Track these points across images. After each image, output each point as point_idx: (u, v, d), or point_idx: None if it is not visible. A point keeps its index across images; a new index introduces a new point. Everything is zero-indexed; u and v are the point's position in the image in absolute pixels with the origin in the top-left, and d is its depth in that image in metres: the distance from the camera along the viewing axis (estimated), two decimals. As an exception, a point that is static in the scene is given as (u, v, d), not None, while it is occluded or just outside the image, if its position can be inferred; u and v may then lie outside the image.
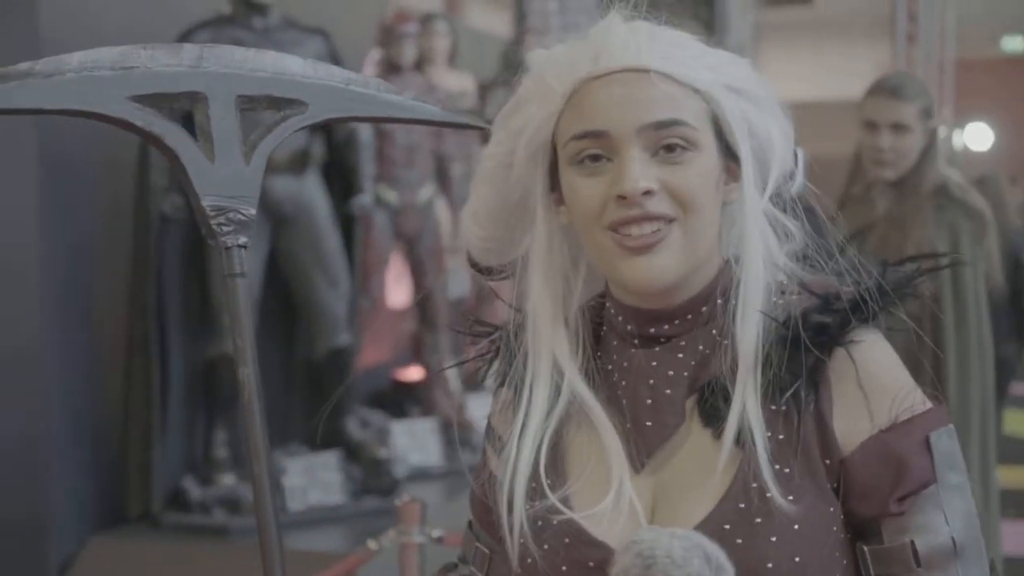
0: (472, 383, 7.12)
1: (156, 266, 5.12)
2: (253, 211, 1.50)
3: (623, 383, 1.52)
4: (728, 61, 1.51)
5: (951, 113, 17.64)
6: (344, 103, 1.55)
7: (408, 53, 6.27)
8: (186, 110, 1.45)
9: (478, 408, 6.68)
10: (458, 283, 6.81)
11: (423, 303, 6.39)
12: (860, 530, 1.48)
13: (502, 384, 1.61)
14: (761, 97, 1.52)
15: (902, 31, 13.21)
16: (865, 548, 1.47)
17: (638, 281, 1.46)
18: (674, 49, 1.48)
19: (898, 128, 3.89)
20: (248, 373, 1.48)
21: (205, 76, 1.45)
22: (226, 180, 1.47)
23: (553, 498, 1.49)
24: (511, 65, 7.49)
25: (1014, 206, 7.18)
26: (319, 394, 5.55)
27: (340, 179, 5.59)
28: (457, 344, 7.07)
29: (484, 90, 7.37)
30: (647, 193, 1.43)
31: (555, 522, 1.49)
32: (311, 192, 5.35)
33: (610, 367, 1.55)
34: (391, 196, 6.08)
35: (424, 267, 6.33)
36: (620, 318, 1.54)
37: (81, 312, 5.11)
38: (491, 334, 1.65)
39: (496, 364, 1.64)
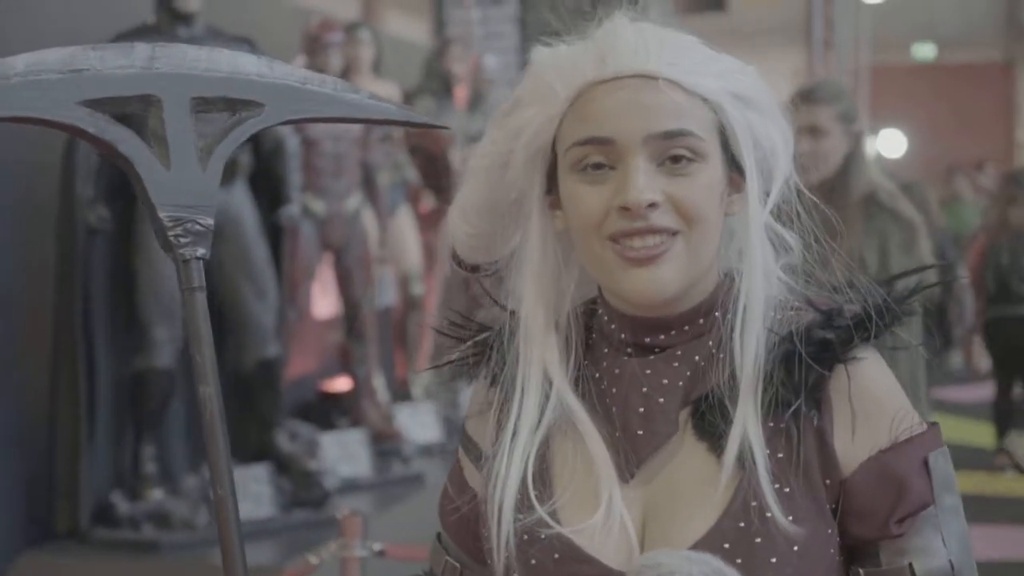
0: (401, 393, 7.10)
1: (82, 278, 5.04)
2: (211, 221, 1.43)
3: (613, 390, 1.48)
4: (735, 68, 1.47)
5: (866, 119, 17.84)
6: (302, 103, 1.48)
7: (333, 62, 6.24)
8: (138, 114, 1.39)
9: (406, 419, 6.66)
10: (386, 293, 6.79)
11: (350, 313, 6.35)
12: (855, 552, 1.46)
13: (493, 385, 1.55)
14: (766, 106, 1.48)
15: (819, 37, 13.35)
16: (861, 571, 1.45)
17: (639, 293, 1.42)
18: (682, 54, 1.43)
19: (813, 132, 3.91)
20: (209, 392, 1.41)
21: (158, 78, 1.39)
22: (183, 189, 1.40)
23: (542, 511, 1.45)
24: (433, 74, 7.49)
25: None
26: (248, 406, 5.50)
27: (267, 189, 5.55)
28: (385, 354, 7.04)
29: (408, 99, 7.35)
30: (651, 205, 1.39)
31: (543, 536, 1.44)
32: (238, 202, 5.30)
33: (599, 374, 1.50)
34: (318, 206, 6.05)
35: (352, 277, 6.29)
36: (613, 326, 1.50)
37: (5, 326, 5.02)
38: (477, 335, 1.60)
39: (482, 366, 1.58)
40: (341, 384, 6.56)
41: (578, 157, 1.43)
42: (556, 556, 1.44)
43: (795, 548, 1.38)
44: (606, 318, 1.51)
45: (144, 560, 4.93)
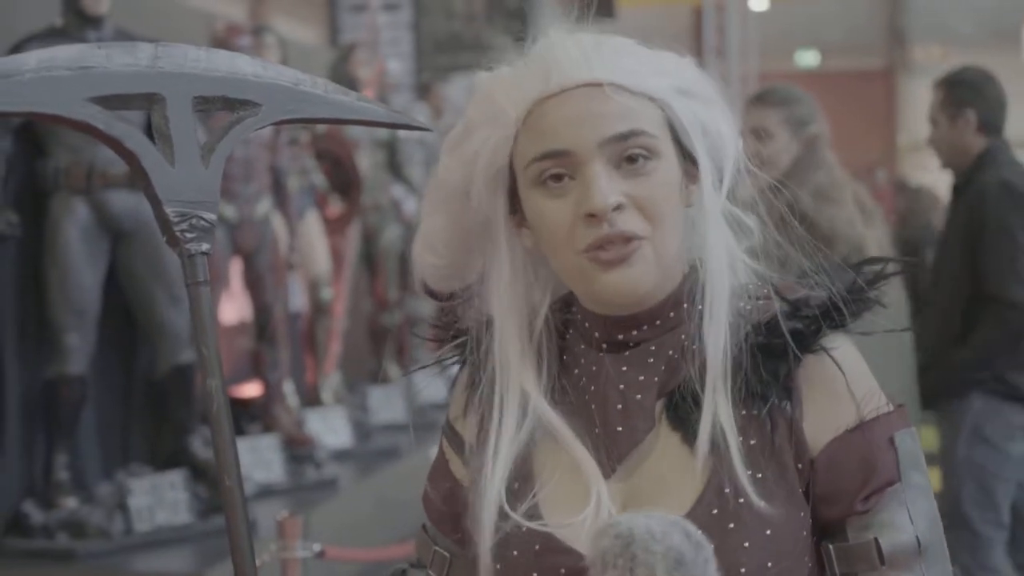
0: (311, 399, 7.07)
1: (-10, 285, 4.97)
2: (214, 216, 1.46)
3: (592, 388, 1.51)
4: (673, 63, 1.51)
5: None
6: (295, 104, 1.51)
7: (241, 66, 6.20)
8: (142, 111, 1.41)
9: (317, 424, 6.63)
10: (294, 298, 6.76)
11: (261, 319, 6.31)
12: (825, 530, 1.49)
13: (472, 387, 1.59)
14: (709, 95, 1.51)
15: (711, 45, 13.53)
16: (830, 546, 1.48)
17: (615, 294, 1.46)
18: (623, 58, 1.47)
19: (759, 134, 3.98)
20: (216, 385, 1.43)
21: (161, 76, 1.41)
22: (187, 185, 1.42)
23: (516, 516, 1.48)
24: (339, 78, 7.48)
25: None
26: (161, 412, 5.45)
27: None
28: (295, 359, 7.01)
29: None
30: (617, 208, 1.43)
31: (524, 529, 1.48)
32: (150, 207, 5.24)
33: (577, 371, 1.54)
34: (228, 211, 6.00)
35: (263, 282, 6.25)
36: (587, 324, 1.53)
37: (-88, 334, 4.93)
38: (457, 338, 1.63)
39: (464, 365, 1.62)
40: (251, 389, 6.51)
41: (537, 172, 1.46)
42: (536, 548, 1.47)
43: (767, 532, 1.42)
44: (580, 316, 1.55)
45: (59, 569, 4.87)
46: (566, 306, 1.58)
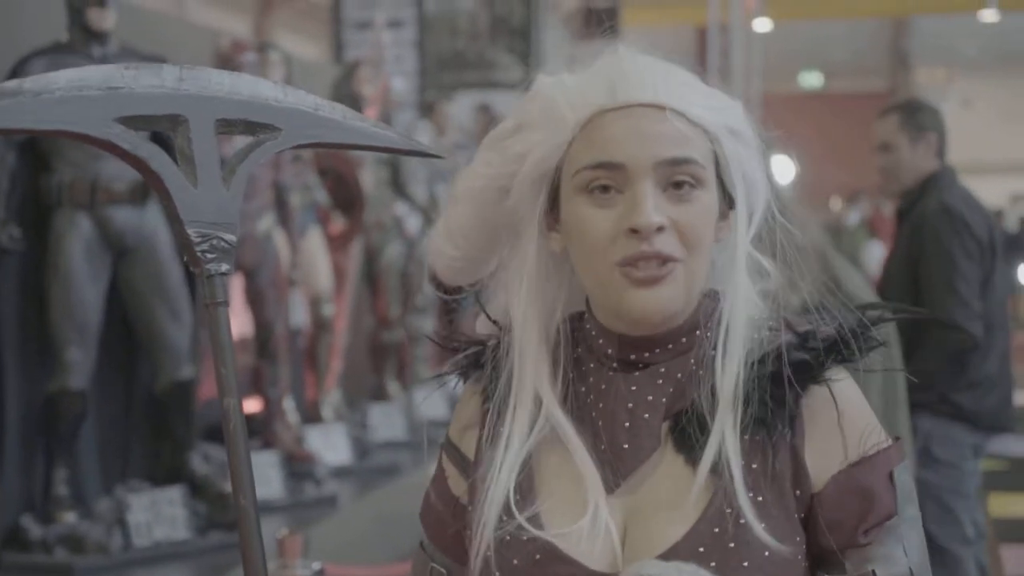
0: (311, 416, 7.06)
1: (-8, 299, 4.97)
2: (234, 238, 1.48)
3: (600, 405, 1.55)
4: (728, 104, 1.56)
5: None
6: (314, 129, 1.55)
7: (246, 83, 6.21)
8: (166, 133, 1.43)
9: (317, 441, 6.63)
10: (296, 315, 6.76)
11: (262, 335, 6.31)
12: (821, 560, 1.54)
13: (486, 400, 1.62)
14: (751, 140, 1.56)
15: (714, 66, 13.58)
16: None
17: (642, 313, 1.49)
18: (686, 88, 1.52)
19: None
20: (233, 403, 1.46)
21: (186, 98, 1.44)
22: (208, 206, 1.45)
23: (521, 519, 1.51)
24: (343, 95, 7.49)
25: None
26: (161, 428, 5.45)
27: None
28: (297, 375, 7.01)
29: (317, 120, 7.33)
30: (659, 229, 1.47)
31: (524, 539, 1.51)
32: (153, 223, 5.25)
33: (585, 388, 1.57)
34: (231, 227, 6.01)
35: (264, 298, 6.25)
36: (601, 341, 1.56)
37: (-87, 347, 4.92)
38: (469, 349, 1.66)
39: (474, 379, 1.65)
40: (251, 406, 6.51)
41: (586, 180, 1.50)
42: (537, 557, 1.50)
43: (766, 554, 1.46)
44: (593, 333, 1.58)
45: (57, 584, 4.84)
46: (579, 322, 1.61)
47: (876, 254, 13.70)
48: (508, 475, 1.54)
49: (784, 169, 23.56)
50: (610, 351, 1.55)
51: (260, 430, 6.41)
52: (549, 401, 1.55)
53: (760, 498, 1.48)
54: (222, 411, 1.47)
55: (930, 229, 4.56)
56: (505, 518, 1.52)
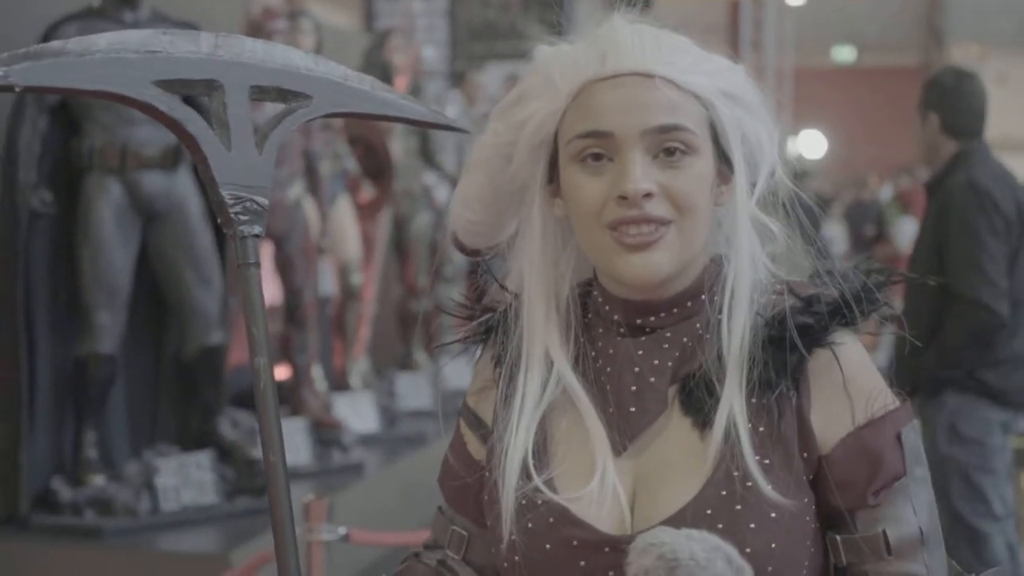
0: (339, 383, 7.09)
1: (23, 263, 4.99)
2: (267, 201, 1.50)
3: (608, 369, 1.58)
4: (724, 67, 1.57)
5: (788, 121, 18.07)
6: (344, 98, 1.57)
7: (277, 50, 6.22)
8: (201, 97, 1.46)
9: (344, 408, 6.66)
10: (324, 283, 6.78)
11: (291, 302, 6.33)
12: (831, 521, 1.56)
13: (497, 364, 1.65)
14: (753, 103, 1.58)
15: (747, 38, 13.51)
16: (837, 537, 1.55)
17: (634, 277, 1.52)
18: (677, 54, 1.53)
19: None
20: (263, 362, 1.49)
21: (221, 64, 1.46)
22: (242, 169, 1.47)
23: (538, 481, 1.55)
24: (373, 64, 7.50)
25: None
26: (190, 393, 5.48)
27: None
28: (325, 343, 7.03)
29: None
30: (647, 195, 1.49)
31: (539, 502, 1.54)
32: (183, 189, 5.27)
33: (594, 353, 1.60)
34: (261, 194, 6.03)
35: (293, 266, 6.27)
36: (607, 307, 1.60)
37: (-55, 310, 4.96)
38: (482, 315, 1.70)
39: (487, 345, 1.69)
40: (280, 373, 6.54)
41: (579, 149, 1.54)
42: (551, 520, 1.53)
43: (772, 515, 1.49)
44: (601, 300, 1.61)
45: (85, 546, 4.88)
46: (587, 290, 1.64)
47: (908, 230, 13.64)
48: (524, 438, 1.57)
49: (816, 143, 23.52)
50: (616, 317, 1.59)
51: (288, 397, 6.44)
52: (560, 362, 1.59)
53: (767, 460, 1.50)
54: (252, 370, 1.50)
55: (956, 205, 4.53)
56: (522, 482, 1.56)
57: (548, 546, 1.52)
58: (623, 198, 1.49)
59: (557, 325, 1.60)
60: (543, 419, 1.58)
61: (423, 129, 7.80)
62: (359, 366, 7.25)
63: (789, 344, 1.52)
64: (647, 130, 1.50)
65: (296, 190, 6.24)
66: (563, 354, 1.59)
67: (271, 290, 6.50)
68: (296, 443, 6.05)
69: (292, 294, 6.31)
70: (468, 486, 1.67)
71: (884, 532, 1.53)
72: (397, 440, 6.95)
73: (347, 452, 6.26)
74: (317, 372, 6.58)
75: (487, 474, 1.62)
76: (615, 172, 1.51)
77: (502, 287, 1.68)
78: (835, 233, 13.93)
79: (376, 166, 7.24)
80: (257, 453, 5.49)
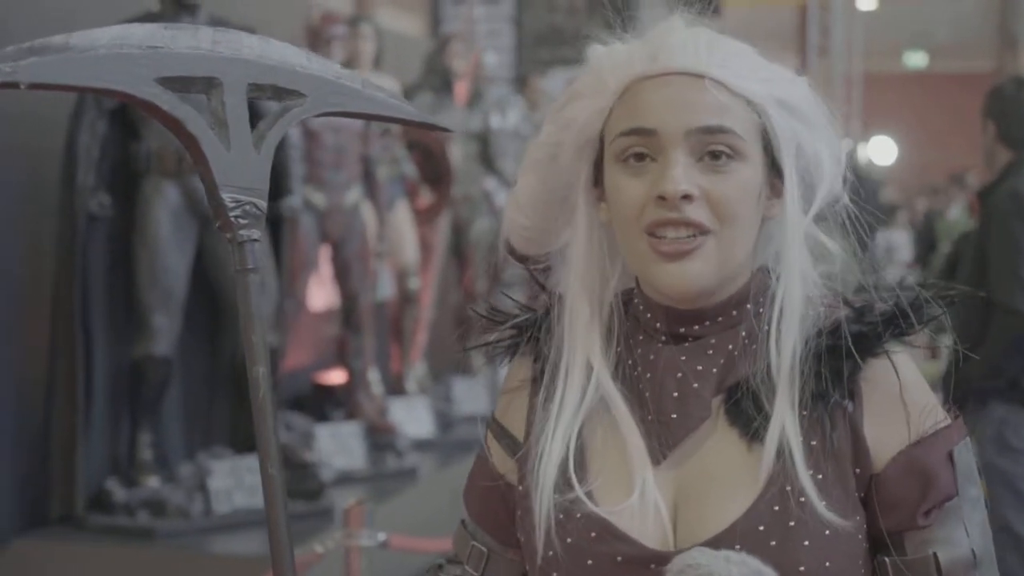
0: (395, 388, 7.10)
1: (81, 266, 5.04)
2: (265, 204, 1.47)
3: (648, 376, 1.52)
4: (784, 77, 1.52)
5: (858, 127, 17.91)
6: (336, 97, 1.53)
7: (336, 55, 6.25)
8: (201, 95, 1.43)
9: (400, 413, 6.67)
10: (382, 287, 6.79)
11: (348, 306, 6.35)
12: (881, 542, 1.50)
13: (536, 362, 1.60)
14: (814, 118, 1.52)
15: (813, 44, 13.40)
16: (886, 560, 1.49)
17: (669, 287, 1.47)
18: (732, 58, 1.48)
19: None
20: (261, 372, 1.44)
21: (221, 61, 1.43)
22: (241, 170, 1.44)
23: (579, 491, 1.49)
24: (434, 70, 7.51)
25: None
26: (244, 396, 5.49)
27: (269, 179, 5.54)
28: (381, 348, 7.05)
29: (407, 94, 7.36)
30: (686, 197, 1.44)
31: (578, 515, 1.48)
32: (239, 193, 5.30)
33: (632, 360, 1.55)
34: (318, 198, 6.05)
35: (350, 270, 6.29)
36: (649, 315, 1.54)
37: (4, 312, 5.01)
38: (519, 317, 1.64)
39: (522, 345, 1.64)
40: (336, 377, 6.56)
41: (622, 147, 1.48)
42: (593, 534, 1.48)
43: (827, 532, 1.43)
44: (642, 307, 1.56)
45: (138, 547, 4.92)
46: (630, 297, 1.59)
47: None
48: (560, 446, 1.52)
49: (886, 150, 23.29)
50: (659, 325, 1.53)
51: (344, 401, 6.46)
52: (600, 370, 1.54)
53: (820, 476, 1.45)
54: (250, 380, 1.45)
55: (998, 213, 4.49)
56: (558, 493, 1.50)
57: (590, 562, 1.47)
58: (662, 199, 1.44)
59: (600, 332, 1.55)
60: (582, 426, 1.53)
61: (483, 134, 7.84)
62: (416, 371, 7.26)
63: (845, 352, 1.47)
64: (691, 130, 1.45)
65: (354, 195, 6.26)
66: (603, 362, 1.54)
67: (328, 294, 6.53)
68: (351, 447, 6.06)
69: (348, 298, 6.33)
70: (490, 501, 1.62)
71: (935, 555, 1.47)
72: (452, 445, 6.94)
73: (401, 457, 6.27)
74: (374, 376, 6.59)
75: (518, 487, 1.56)
76: (656, 172, 1.45)
77: (541, 287, 1.63)
78: (900, 240, 13.76)
79: (434, 171, 7.25)
80: (311, 457, 5.51)
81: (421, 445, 6.65)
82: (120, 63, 1.36)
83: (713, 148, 1.45)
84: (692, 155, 1.45)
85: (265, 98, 1.47)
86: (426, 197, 7.28)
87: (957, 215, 14.86)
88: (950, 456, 1.48)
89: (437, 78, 7.48)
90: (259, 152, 1.45)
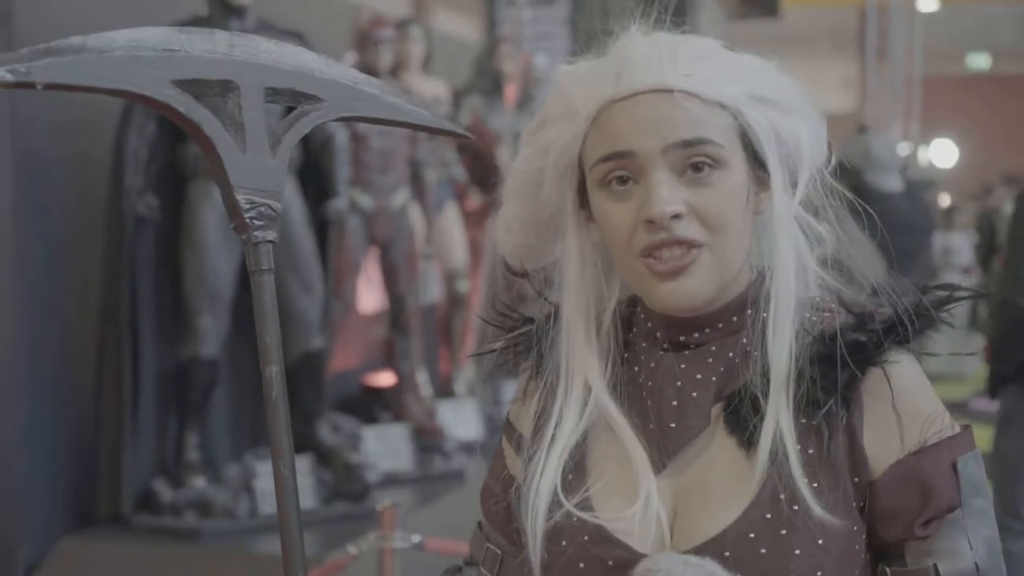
0: (444, 390, 7.11)
1: (129, 267, 5.09)
2: (280, 206, 1.47)
3: (649, 383, 1.52)
4: (753, 69, 1.50)
5: (918, 129, 17.75)
6: (354, 102, 1.53)
7: (384, 58, 6.27)
8: (217, 98, 1.43)
9: (448, 415, 6.67)
10: (431, 290, 6.80)
11: (395, 309, 6.37)
12: (882, 552, 1.48)
13: (533, 378, 1.61)
14: (788, 101, 1.50)
15: (871, 47, 13.28)
16: (887, 570, 1.48)
17: (669, 305, 1.46)
18: (697, 64, 1.46)
19: None
20: (275, 371, 1.46)
21: (237, 65, 1.43)
22: (257, 173, 1.44)
23: (568, 505, 1.50)
24: (484, 72, 7.51)
25: None
26: (290, 398, 5.52)
27: (315, 182, 5.59)
28: (429, 350, 7.06)
29: (458, 96, 7.37)
30: (675, 216, 1.42)
31: (575, 520, 1.49)
32: (286, 195, 5.33)
33: (636, 368, 1.55)
34: (365, 201, 6.07)
35: (397, 273, 6.31)
36: (650, 324, 1.54)
37: (53, 314, 5.06)
38: (521, 326, 1.65)
39: (524, 358, 1.64)
40: (384, 379, 6.58)
41: (603, 173, 1.47)
42: (585, 539, 1.48)
43: (819, 542, 1.41)
44: (643, 316, 1.55)
45: (184, 547, 4.96)
46: (631, 304, 1.59)
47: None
48: (558, 459, 1.52)
49: (947, 153, 23.05)
50: (659, 334, 1.52)
51: (392, 403, 6.47)
52: (598, 389, 1.53)
53: (816, 484, 1.43)
54: (263, 380, 1.46)
55: (1017, 213, 4.58)
56: (555, 506, 1.50)
57: (582, 565, 1.47)
58: (650, 222, 1.42)
59: (597, 350, 1.55)
60: (581, 437, 1.54)
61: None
62: (464, 373, 7.26)
63: (840, 362, 1.44)
64: (668, 146, 1.43)
65: (401, 197, 6.27)
66: (601, 381, 1.54)
67: (376, 297, 6.55)
68: (398, 449, 6.08)
69: (396, 301, 6.35)
70: (503, 503, 1.62)
71: (935, 566, 1.45)
72: (500, 448, 6.93)
73: (448, 459, 6.28)
74: (422, 378, 6.60)
75: (522, 487, 1.56)
76: (641, 195, 1.44)
77: (542, 297, 1.62)
78: (960, 243, 13.61)
79: (484, 174, 7.26)
80: (357, 458, 5.53)
81: (468, 447, 6.65)
82: (136, 65, 1.36)
83: (694, 161, 1.44)
84: (674, 171, 1.44)
85: (282, 102, 1.47)
86: (476, 200, 7.29)
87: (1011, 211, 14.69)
88: (954, 467, 1.45)
89: (487, 80, 7.49)
90: (275, 155, 1.46)
